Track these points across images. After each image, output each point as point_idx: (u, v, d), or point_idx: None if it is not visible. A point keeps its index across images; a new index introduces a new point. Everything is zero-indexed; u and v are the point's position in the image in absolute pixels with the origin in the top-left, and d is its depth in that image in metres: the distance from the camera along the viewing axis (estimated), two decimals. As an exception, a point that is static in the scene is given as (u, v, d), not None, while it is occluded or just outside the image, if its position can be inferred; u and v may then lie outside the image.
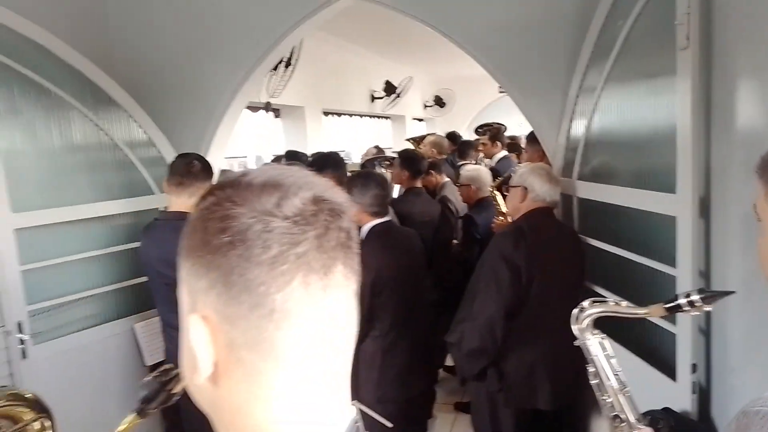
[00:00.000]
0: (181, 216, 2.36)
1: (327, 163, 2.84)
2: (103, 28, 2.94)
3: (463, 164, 4.85)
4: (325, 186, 0.55)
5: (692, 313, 1.23)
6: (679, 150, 1.67)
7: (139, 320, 2.74)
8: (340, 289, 0.54)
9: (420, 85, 9.80)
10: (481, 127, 5.81)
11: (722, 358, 1.69)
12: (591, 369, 1.34)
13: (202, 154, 2.83)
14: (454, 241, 3.86)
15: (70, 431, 1.86)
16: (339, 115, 7.93)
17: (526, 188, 2.38)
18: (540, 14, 2.52)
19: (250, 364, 0.52)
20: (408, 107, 9.49)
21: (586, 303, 1.36)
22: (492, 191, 3.59)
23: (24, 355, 2.28)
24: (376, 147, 6.08)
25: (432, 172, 4.04)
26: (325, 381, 0.54)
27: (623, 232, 2.10)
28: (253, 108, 5.59)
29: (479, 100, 10.52)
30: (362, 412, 0.60)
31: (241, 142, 6.61)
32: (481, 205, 3.66)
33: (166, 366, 1.03)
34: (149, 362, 2.72)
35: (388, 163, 4.44)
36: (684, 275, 1.68)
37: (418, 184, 3.65)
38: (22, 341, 2.26)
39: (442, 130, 8.98)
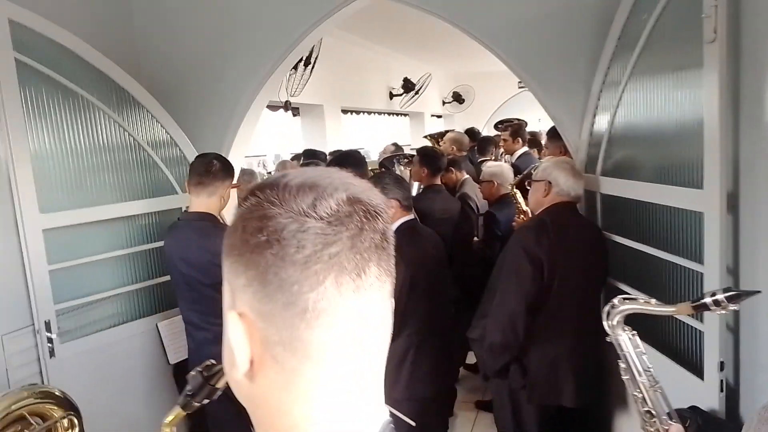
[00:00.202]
0: (201, 216, 2.38)
1: (347, 161, 2.85)
2: (128, 31, 2.98)
3: (483, 161, 4.83)
4: (363, 187, 0.56)
5: (718, 312, 1.22)
6: (706, 145, 1.64)
7: (162, 319, 2.78)
8: (373, 290, 0.54)
9: (438, 81, 9.77)
10: (501, 122, 5.78)
11: (751, 356, 1.66)
12: (622, 365, 1.33)
13: (223, 154, 2.87)
14: (475, 239, 3.85)
15: (96, 428, 1.90)
16: (357, 112, 7.95)
17: (550, 182, 2.35)
18: (560, 9, 2.49)
19: (284, 362, 0.53)
20: (426, 104, 9.48)
21: (616, 300, 1.35)
22: (512, 189, 3.57)
23: (52, 353, 2.32)
24: (395, 144, 6.08)
25: (452, 169, 4.02)
26: (358, 381, 0.55)
27: (648, 228, 2.07)
28: (273, 107, 5.62)
29: (498, 96, 10.44)
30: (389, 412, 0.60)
31: (261, 141, 6.66)
32: (503, 201, 3.65)
33: (210, 361, 1.05)
34: (173, 360, 2.75)
35: (407, 160, 4.43)
36: (711, 272, 1.65)
37: (438, 181, 3.64)
38: (50, 340, 2.31)
39: (460, 127, 8.94)
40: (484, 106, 10.54)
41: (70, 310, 2.43)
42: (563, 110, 2.61)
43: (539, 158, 4.95)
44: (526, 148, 4.97)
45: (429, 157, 3.66)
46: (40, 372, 2.31)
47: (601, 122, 2.39)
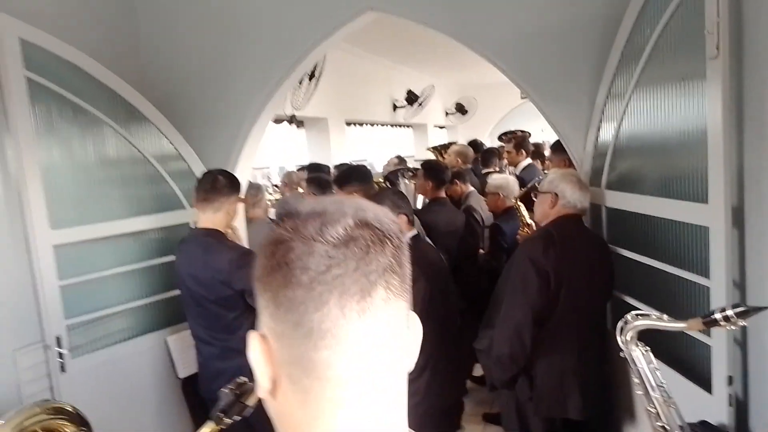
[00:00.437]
0: (207, 232, 2.40)
1: (353, 175, 2.87)
2: (134, 47, 3.02)
3: (487, 173, 4.85)
4: (374, 213, 0.58)
5: (728, 328, 1.23)
6: (710, 159, 1.65)
7: (171, 333, 2.79)
8: (381, 312, 0.55)
9: (441, 92, 9.82)
10: (505, 134, 5.80)
11: (760, 370, 1.66)
12: (636, 380, 1.34)
13: (230, 167, 2.89)
14: (481, 251, 3.86)
15: (108, 443, 1.90)
16: (361, 124, 7.99)
17: (556, 194, 2.36)
18: (561, 22, 2.51)
19: (298, 381, 0.55)
20: (429, 115, 9.52)
21: (629, 316, 1.36)
22: (516, 201, 3.59)
23: (63, 368, 2.34)
24: (398, 157, 6.11)
25: (456, 181, 4.05)
26: (374, 401, 0.56)
27: (653, 241, 2.08)
28: (277, 120, 5.66)
29: (501, 107, 10.49)
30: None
31: (265, 153, 6.69)
32: (508, 213, 3.66)
33: (242, 379, 1.09)
34: (182, 374, 2.76)
35: (411, 174, 4.46)
36: (718, 287, 1.66)
37: (443, 194, 3.66)
38: (61, 355, 2.33)
39: (463, 138, 8.98)
40: (487, 116, 10.59)
41: (81, 325, 2.45)
42: (567, 122, 2.62)
43: (543, 169, 4.97)
44: (529, 160, 4.99)
45: (433, 170, 3.68)
46: (50, 387, 2.32)
47: (606, 134, 2.41)
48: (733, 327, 1.18)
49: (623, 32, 2.22)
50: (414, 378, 2.28)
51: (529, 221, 3.43)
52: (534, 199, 2.75)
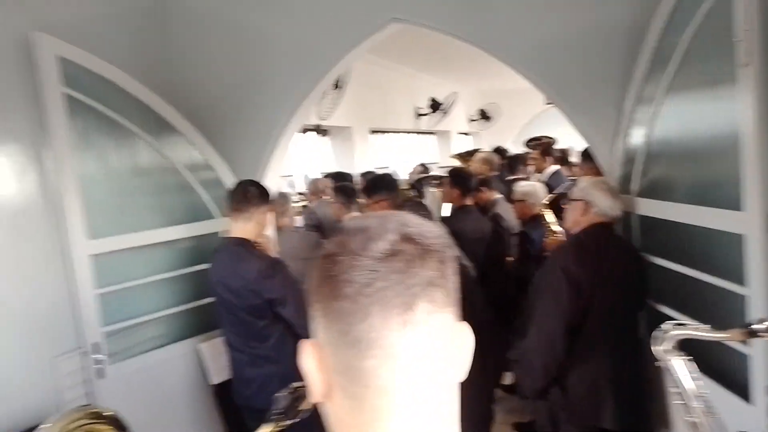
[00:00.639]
0: (238, 242, 2.44)
1: (380, 185, 2.88)
2: (166, 61, 3.09)
3: (514, 179, 4.82)
4: (419, 227, 0.60)
5: (769, 338, 1.21)
6: (744, 166, 1.63)
7: (204, 340, 2.84)
8: (423, 325, 0.57)
9: (465, 99, 9.81)
10: (532, 140, 5.77)
11: (800, 379, 1.63)
12: (673, 389, 1.32)
13: (259, 177, 2.94)
14: (509, 258, 3.84)
15: (144, 449, 1.94)
16: (385, 132, 8.03)
17: (588, 202, 2.34)
18: (586, 28, 2.50)
19: (346, 389, 0.58)
20: (453, 122, 9.52)
21: (667, 325, 1.35)
22: (542, 208, 3.56)
23: (101, 374, 2.40)
24: (422, 165, 6.12)
25: (483, 188, 4.04)
26: (414, 412, 0.58)
27: (687, 248, 2.05)
28: (303, 129, 5.72)
29: (525, 112, 10.42)
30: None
31: (289, 161, 6.75)
32: (536, 221, 3.64)
33: (298, 384, 1.13)
34: (215, 381, 2.80)
35: (437, 181, 4.46)
36: (756, 295, 1.63)
37: (469, 201, 3.65)
38: (99, 361, 2.38)
39: (487, 144, 8.95)
40: (511, 122, 10.53)
41: (117, 332, 2.51)
42: (593, 128, 2.60)
43: (569, 176, 4.93)
44: (557, 167, 4.95)
45: (460, 178, 3.68)
46: (87, 393, 2.38)
47: (635, 140, 2.38)
48: (775, 338, 1.17)
49: (652, 36, 2.19)
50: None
51: (556, 228, 3.40)
52: (562, 206, 2.72)
